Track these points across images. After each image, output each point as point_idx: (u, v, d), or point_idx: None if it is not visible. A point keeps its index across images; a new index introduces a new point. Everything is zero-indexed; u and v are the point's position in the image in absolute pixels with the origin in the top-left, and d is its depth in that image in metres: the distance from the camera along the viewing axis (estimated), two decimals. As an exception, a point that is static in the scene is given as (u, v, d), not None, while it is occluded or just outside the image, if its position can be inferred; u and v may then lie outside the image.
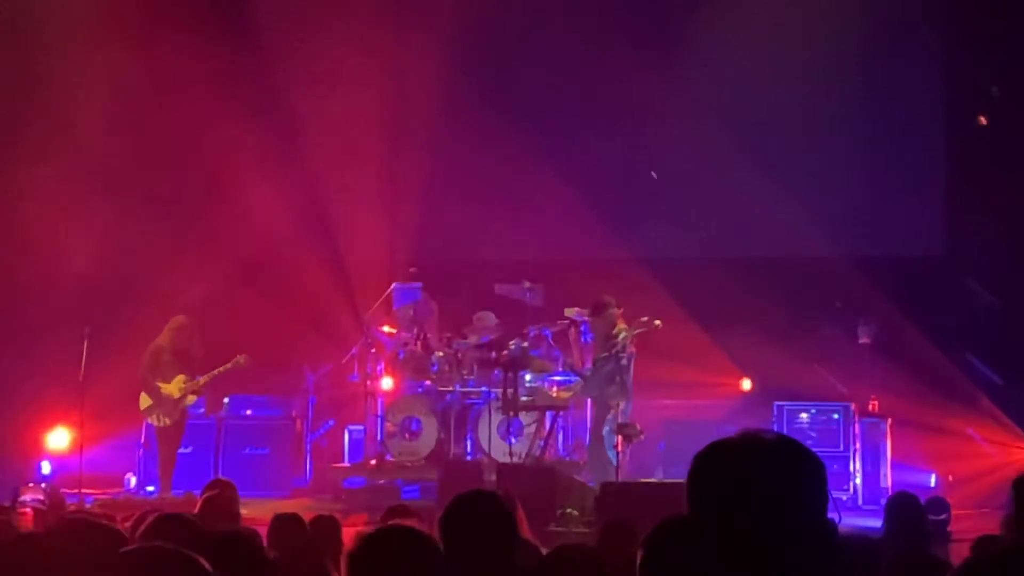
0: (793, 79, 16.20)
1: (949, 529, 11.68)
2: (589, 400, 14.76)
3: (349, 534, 7.57)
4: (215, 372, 14.96)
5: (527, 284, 15.67)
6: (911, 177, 16.99)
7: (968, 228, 16.36)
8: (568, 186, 16.58)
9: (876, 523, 8.96)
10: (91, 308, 15.17)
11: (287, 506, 8.99)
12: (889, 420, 15.20)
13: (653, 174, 17.23)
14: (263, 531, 7.16)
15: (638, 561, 4.05)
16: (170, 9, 16.21)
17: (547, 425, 14.95)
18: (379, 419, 15.49)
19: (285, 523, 7.06)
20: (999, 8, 16.07)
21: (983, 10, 16.19)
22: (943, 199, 16.90)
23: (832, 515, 2.58)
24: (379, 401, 15.60)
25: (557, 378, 15.24)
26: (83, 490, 14.08)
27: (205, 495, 7.83)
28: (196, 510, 7.23)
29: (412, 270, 16.37)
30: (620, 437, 13.70)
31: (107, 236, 15.88)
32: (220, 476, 10.75)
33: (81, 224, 15.80)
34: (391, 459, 15.28)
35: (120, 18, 15.86)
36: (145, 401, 14.88)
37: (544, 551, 5.39)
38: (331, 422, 16.52)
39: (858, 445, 15.01)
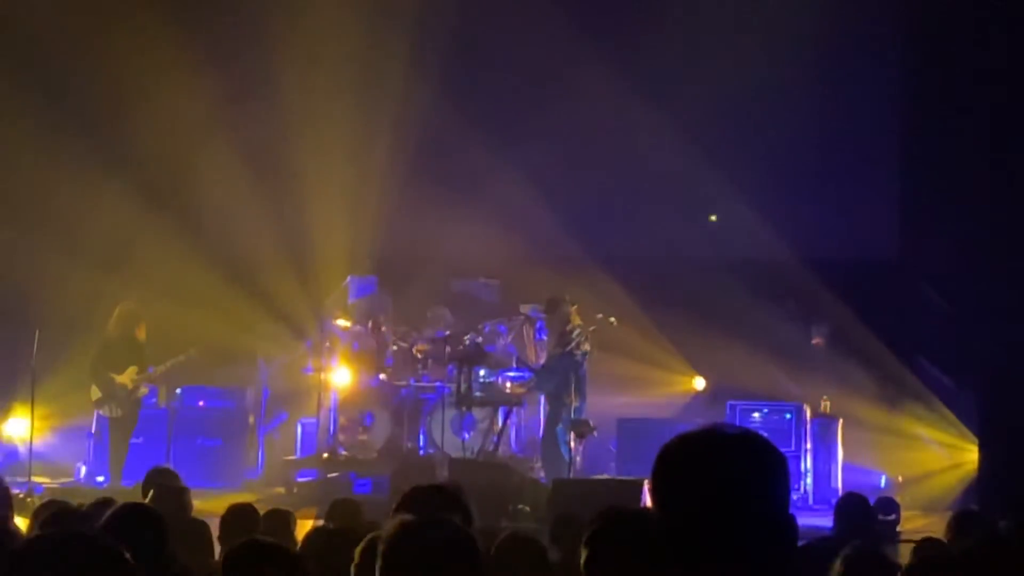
0: (750, 84, 16.23)
1: (898, 529, 11.77)
2: (543, 396, 14.77)
3: (300, 527, 7.57)
4: (168, 364, 14.91)
5: (484, 280, 15.66)
6: (866, 181, 17.10)
7: (921, 232, 16.49)
8: (526, 183, 16.57)
9: (826, 522, 9.01)
10: (42, 299, 15.09)
11: (238, 498, 8.94)
12: (840, 420, 15.30)
13: None
14: (213, 523, 7.15)
15: (582, 558, 4.03)
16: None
17: (500, 421, 14.94)
18: (332, 413, 15.43)
19: (239, 515, 7.04)
20: (957, 16, 16.15)
21: (942, 17, 16.27)
22: (897, 203, 17.01)
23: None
24: (332, 395, 15.55)
25: (511, 374, 15.24)
26: (32, 479, 13.99)
27: (152, 484, 7.78)
28: (147, 500, 7.18)
29: (368, 263, 16.31)
30: (573, 434, 13.73)
31: (58, 222, 15.80)
32: (170, 466, 10.66)
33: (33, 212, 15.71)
34: (344, 453, 15.24)
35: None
36: (96, 392, 14.79)
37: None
38: (284, 415, 16.44)
39: (809, 445, 15.08)
